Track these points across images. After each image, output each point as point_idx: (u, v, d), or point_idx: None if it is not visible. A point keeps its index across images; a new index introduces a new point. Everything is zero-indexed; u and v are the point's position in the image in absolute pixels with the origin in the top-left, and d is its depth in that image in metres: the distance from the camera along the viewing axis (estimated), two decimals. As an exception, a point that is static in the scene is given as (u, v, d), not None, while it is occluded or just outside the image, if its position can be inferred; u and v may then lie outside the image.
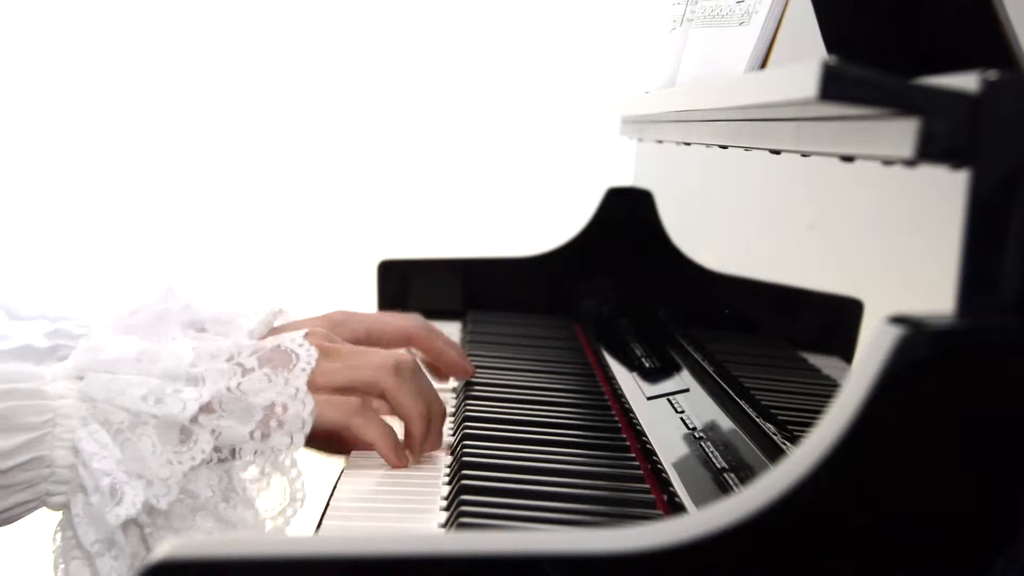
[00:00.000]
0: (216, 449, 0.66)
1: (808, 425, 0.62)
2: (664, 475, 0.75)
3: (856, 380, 0.45)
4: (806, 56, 0.63)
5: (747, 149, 0.78)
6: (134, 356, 0.67)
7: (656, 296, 1.21)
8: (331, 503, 0.71)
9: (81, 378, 0.67)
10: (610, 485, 0.76)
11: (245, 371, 0.68)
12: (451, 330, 1.25)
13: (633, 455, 0.81)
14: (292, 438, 0.68)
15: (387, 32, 2.02)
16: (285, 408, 0.68)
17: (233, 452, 0.67)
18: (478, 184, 2.04)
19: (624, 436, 0.85)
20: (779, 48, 0.81)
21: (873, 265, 0.59)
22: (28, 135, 2.04)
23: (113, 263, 2.06)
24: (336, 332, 0.77)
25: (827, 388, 0.65)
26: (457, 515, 0.66)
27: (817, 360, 0.68)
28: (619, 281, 1.32)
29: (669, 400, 0.91)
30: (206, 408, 0.66)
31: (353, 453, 0.79)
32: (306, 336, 0.72)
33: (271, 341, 0.71)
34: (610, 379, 1.02)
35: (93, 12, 2.02)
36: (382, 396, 0.74)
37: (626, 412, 0.91)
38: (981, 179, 0.45)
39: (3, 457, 0.62)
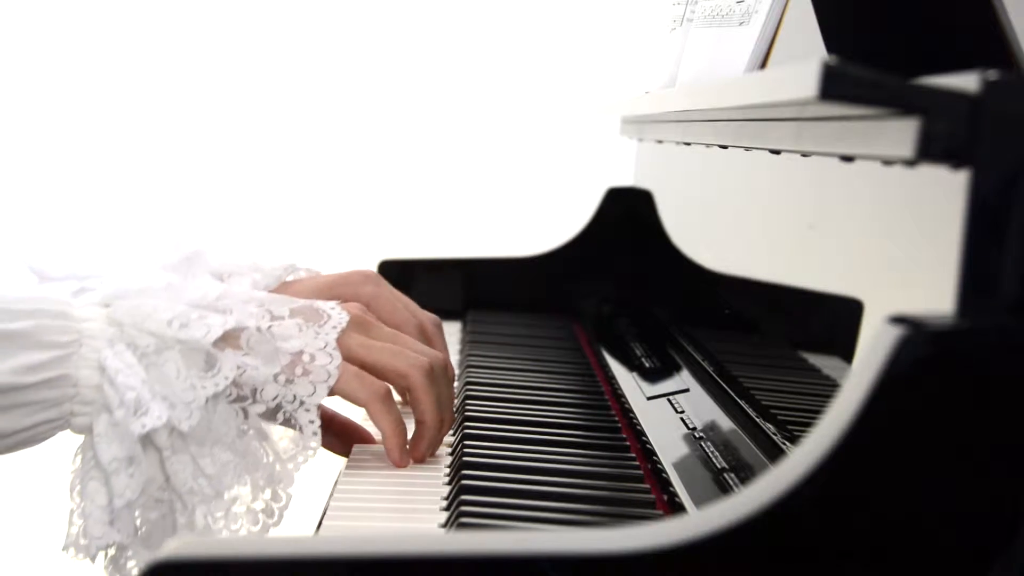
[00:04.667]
0: (237, 385, 0.67)
1: (808, 425, 0.62)
2: (664, 475, 0.75)
3: (856, 380, 0.45)
4: (806, 56, 0.63)
5: (747, 149, 0.78)
6: (162, 287, 0.68)
7: (656, 296, 1.21)
8: (331, 503, 0.71)
9: (108, 305, 0.67)
10: (610, 485, 0.76)
11: (274, 317, 0.69)
12: (451, 330, 1.25)
13: (633, 455, 0.81)
14: (315, 388, 0.68)
15: (388, 32, 2.02)
16: (313, 358, 0.68)
17: (254, 393, 0.67)
18: (478, 184, 2.04)
19: (624, 436, 0.85)
20: (779, 48, 0.81)
21: (873, 265, 0.59)
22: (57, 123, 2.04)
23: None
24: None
25: (827, 388, 0.65)
26: (457, 515, 0.66)
27: (817, 360, 0.68)
28: (619, 281, 1.32)
29: (669, 400, 0.91)
30: (232, 342, 0.67)
31: (353, 451, 0.79)
32: (341, 305, 0.73)
33: (305, 301, 0.72)
34: (610, 379, 1.02)
35: (93, 12, 2.03)
36: (406, 390, 0.74)
37: (626, 412, 0.91)
38: (981, 179, 0.46)
39: (29, 372, 0.63)
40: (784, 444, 0.69)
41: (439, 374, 0.74)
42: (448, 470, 0.77)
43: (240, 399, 0.67)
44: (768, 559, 0.46)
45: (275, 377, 0.67)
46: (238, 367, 0.66)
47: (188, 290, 0.68)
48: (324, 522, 0.68)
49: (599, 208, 1.35)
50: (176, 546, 0.44)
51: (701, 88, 0.81)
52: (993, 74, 0.45)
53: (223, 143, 2.07)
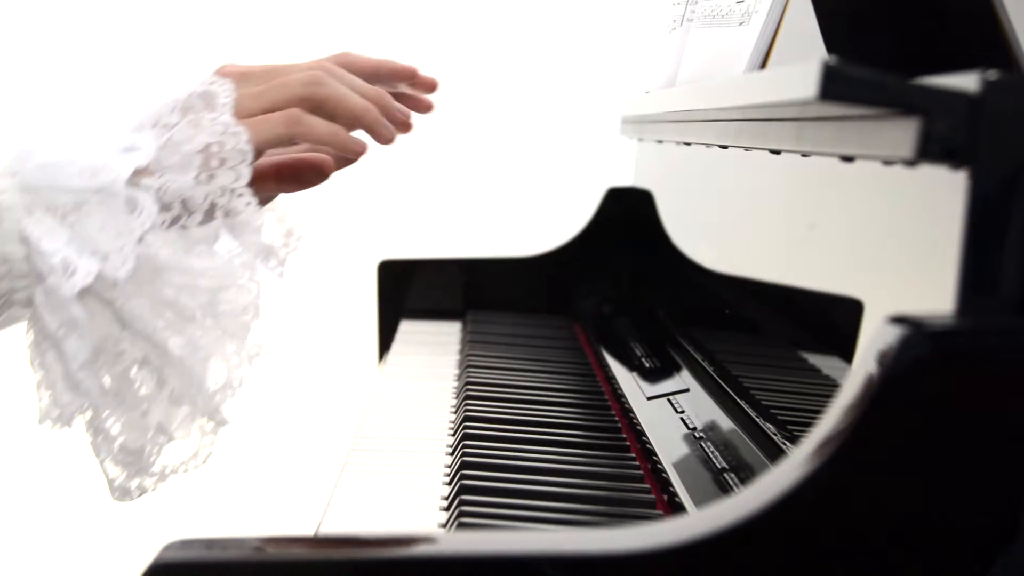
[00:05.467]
0: (167, 208, 0.65)
1: (808, 425, 0.62)
2: (664, 475, 0.75)
3: (856, 380, 0.45)
4: (806, 56, 0.63)
5: (747, 149, 0.78)
6: (66, 137, 0.66)
7: (656, 296, 1.21)
8: (331, 503, 0.71)
9: (16, 173, 0.65)
10: (610, 485, 0.76)
11: (168, 126, 0.67)
12: (451, 330, 1.25)
13: (633, 455, 0.81)
14: (238, 172, 0.66)
15: (388, 32, 2.02)
16: (222, 145, 0.66)
17: (184, 206, 0.65)
18: (478, 184, 2.04)
19: (624, 436, 0.85)
20: (779, 48, 0.81)
21: (873, 265, 0.59)
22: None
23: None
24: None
25: (827, 388, 0.65)
26: (457, 515, 0.66)
27: (817, 360, 0.68)
28: (619, 281, 1.32)
29: (669, 400, 0.91)
30: (145, 172, 0.65)
31: (353, 452, 0.79)
32: (217, 72, 0.70)
33: (184, 90, 0.69)
34: (610, 379, 1.02)
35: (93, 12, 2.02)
36: (319, 109, 0.70)
37: (626, 412, 0.91)
38: (981, 179, 0.46)
39: None
40: (784, 444, 0.69)
41: (332, 70, 0.71)
42: (448, 470, 0.77)
43: (175, 220, 0.66)
44: (768, 559, 0.46)
45: (196, 180, 0.65)
46: (158, 191, 0.65)
47: (88, 134, 0.66)
48: (324, 522, 0.68)
49: (599, 208, 1.35)
50: (177, 547, 0.44)
51: (701, 88, 0.81)
52: (993, 74, 0.45)
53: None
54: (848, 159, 0.59)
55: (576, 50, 1.98)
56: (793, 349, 0.75)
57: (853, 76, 0.45)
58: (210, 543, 0.46)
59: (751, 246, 0.84)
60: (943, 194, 0.48)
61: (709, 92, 0.74)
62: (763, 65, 0.82)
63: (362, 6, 2.03)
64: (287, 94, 0.70)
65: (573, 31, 1.99)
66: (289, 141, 0.69)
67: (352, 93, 0.71)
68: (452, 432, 0.86)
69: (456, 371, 1.06)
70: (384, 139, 0.74)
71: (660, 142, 1.17)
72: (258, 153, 0.68)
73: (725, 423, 0.80)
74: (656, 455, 0.79)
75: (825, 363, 0.67)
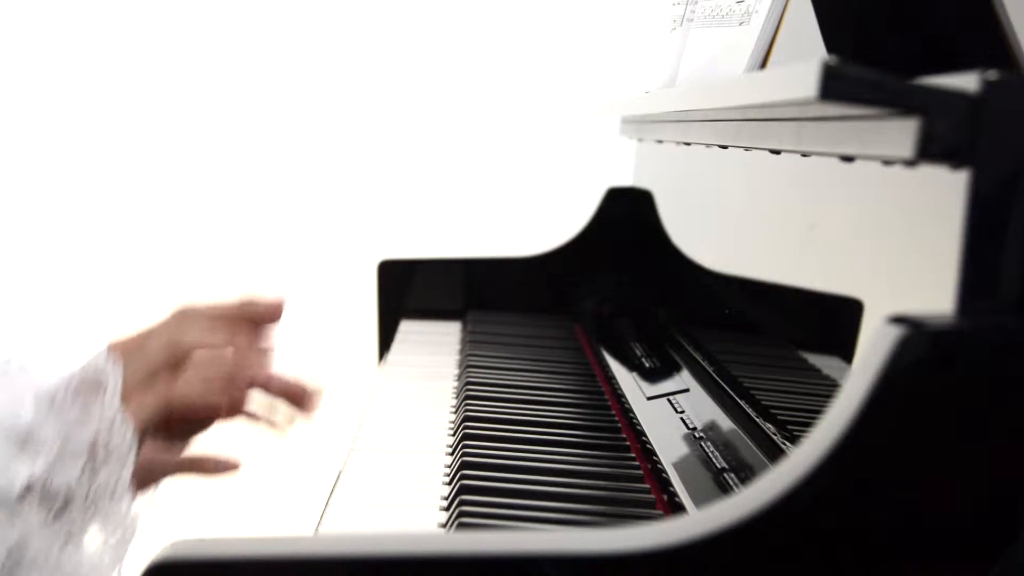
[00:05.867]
0: (50, 499, 0.65)
1: (808, 425, 0.62)
2: (664, 475, 0.75)
3: (856, 380, 0.45)
4: (806, 56, 0.63)
5: (747, 149, 0.78)
6: None
7: (656, 296, 1.21)
8: (331, 503, 0.71)
9: None
10: (610, 485, 0.76)
11: (63, 412, 0.67)
12: (451, 330, 1.25)
13: (633, 455, 0.81)
14: (122, 465, 0.66)
15: (387, 32, 2.02)
16: (109, 436, 0.66)
17: (66, 499, 0.65)
18: (478, 184, 2.04)
19: (624, 436, 0.85)
20: (779, 48, 0.81)
21: (873, 265, 0.59)
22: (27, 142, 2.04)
23: (118, 263, 2.06)
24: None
25: (827, 388, 0.65)
26: (457, 515, 0.66)
27: (817, 360, 0.68)
28: (619, 281, 1.32)
29: (669, 400, 0.91)
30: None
31: (354, 451, 0.79)
32: (106, 348, 0.70)
33: (79, 372, 0.69)
34: (610, 379, 1.02)
35: (92, 12, 2.02)
36: (190, 359, 0.71)
37: (626, 412, 0.91)
38: (981, 179, 0.46)
39: None
40: (784, 444, 0.69)
41: (189, 316, 0.72)
42: (448, 470, 0.77)
43: (56, 516, 0.65)
44: (768, 559, 0.46)
45: (81, 472, 0.65)
46: (43, 485, 0.64)
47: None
48: (324, 522, 0.68)
49: (599, 208, 1.35)
50: (177, 547, 0.44)
51: (701, 88, 0.81)
52: (993, 74, 0.45)
53: (223, 144, 2.07)
54: (848, 159, 0.60)
55: (576, 50, 1.98)
56: (793, 349, 0.75)
57: (853, 76, 0.45)
58: (209, 543, 0.46)
59: (751, 246, 0.84)
60: (943, 194, 0.48)
61: (709, 92, 0.74)
62: (763, 65, 0.82)
63: (363, 6, 2.03)
64: (153, 363, 0.70)
65: (574, 31, 1.99)
66: (167, 407, 0.69)
67: (210, 332, 0.71)
68: (452, 432, 0.86)
69: (456, 371, 1.06)
70: (261, 376, 0.73)
71: (660, 142, 1.17)
72: (141, 434, 0.68)
73: (725, 423, 0.80)
74: (656, 455, 0.79)
75: (825, 363, 0.67)
